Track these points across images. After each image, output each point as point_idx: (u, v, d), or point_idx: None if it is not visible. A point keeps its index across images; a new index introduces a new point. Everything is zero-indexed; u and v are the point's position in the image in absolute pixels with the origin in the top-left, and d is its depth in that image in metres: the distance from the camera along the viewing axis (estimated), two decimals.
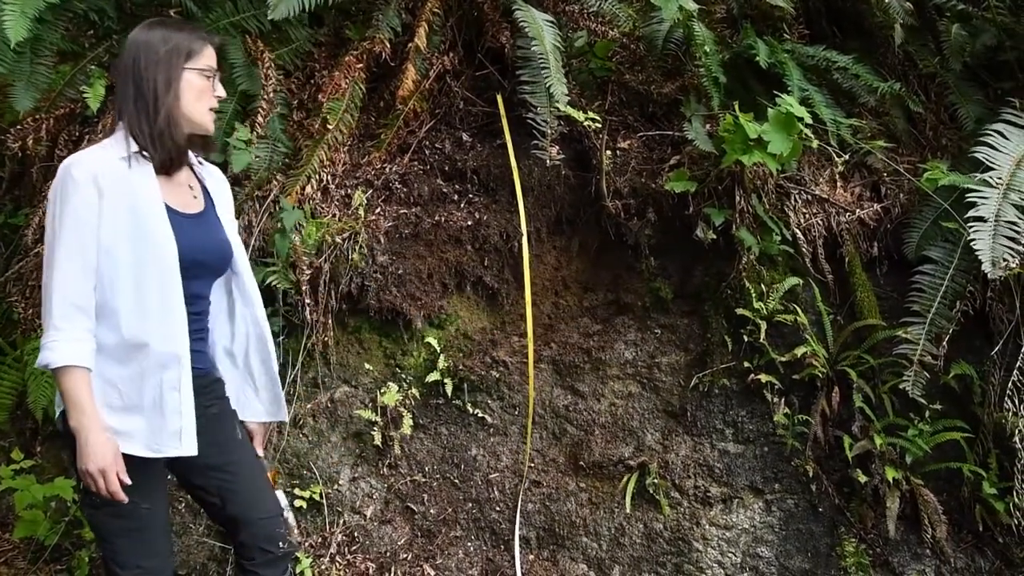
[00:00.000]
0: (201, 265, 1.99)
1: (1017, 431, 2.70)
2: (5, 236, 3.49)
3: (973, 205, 2.72)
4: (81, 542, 2.90)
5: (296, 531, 2.27)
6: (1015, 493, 2.70)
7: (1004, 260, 2.64)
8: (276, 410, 2.23)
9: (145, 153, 1.92)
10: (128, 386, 1.86)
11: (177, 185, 2.02)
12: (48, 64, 2.88)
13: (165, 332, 1.87)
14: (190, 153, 2.08)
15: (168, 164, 1.97)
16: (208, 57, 2.00)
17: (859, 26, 3.60)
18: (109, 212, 1.83)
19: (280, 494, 2.28)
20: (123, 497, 1.79)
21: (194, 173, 2.10)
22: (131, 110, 1.93)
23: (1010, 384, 2.72)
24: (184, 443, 1.88)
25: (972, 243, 2.67)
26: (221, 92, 2.05)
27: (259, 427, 2.24)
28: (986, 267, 2.62)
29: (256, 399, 2.20)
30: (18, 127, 3.12)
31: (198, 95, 1.97)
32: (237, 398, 2.18)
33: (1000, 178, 2.78)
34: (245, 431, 2.18)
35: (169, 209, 1.93)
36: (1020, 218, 2.70)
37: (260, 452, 2.24)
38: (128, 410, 1.85)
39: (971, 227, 2.70)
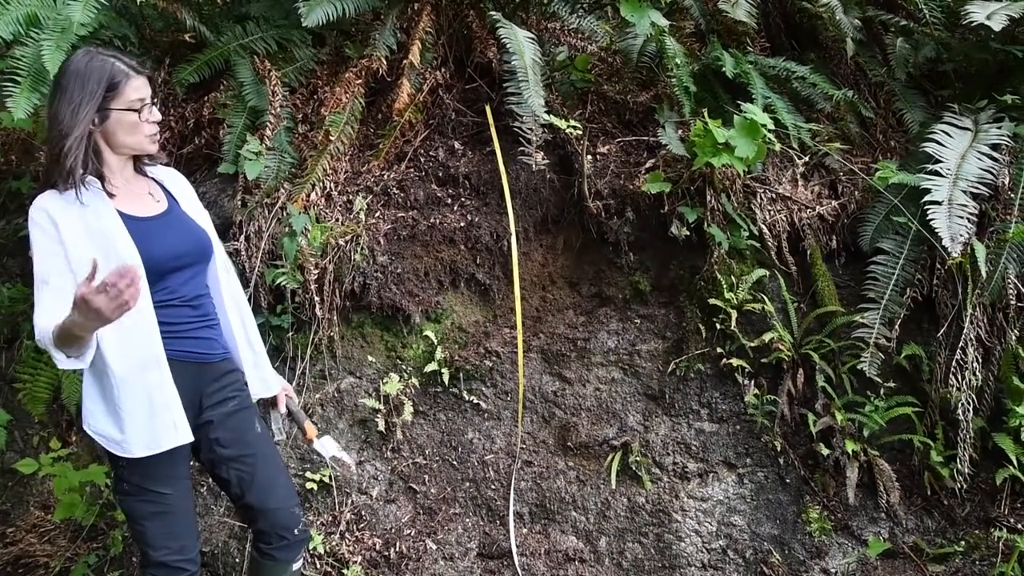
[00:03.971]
0: (178, 257, 2.01)
1: (960, 404, 2.82)
2: None
3: (920, 201, 2.82)
4: (114, 523, 2.96)
5: (353, 467, 2.28)
6: (958, 460, 2.82)
7: (960, 236, 2.73)
8: (267, 384, 2.30)
9: (90, 178, 1.94)
10: (117, 394, 1.90)
11: (135, 195, 2.03)
12: None
13: (138, 335, 1.90)
14: (140, 164, 2.10)
15: (110, 185, 1.97)
16: (135, 90, 1.94)
17: (815, 39, 3.68)
18: (69, 238, 1.88)
19: (328, 440, 2.32)
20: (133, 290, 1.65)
21: (152, 179, 2.13)
22: (60, 146, 1.90)
23: (954, 362, 2.83)
24: (180, 432, 1.95)
25: (930, 223, 2.75)
26: (156, 116, 2.00)
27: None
28: (946, 242, 2.71)
29: (258, 375, 2.27)
30: None
31: (129, 130, 1.95)
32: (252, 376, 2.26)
33: (949, 169, 2.89)
34: (264, 425, 2.24)
35: (128, 217, 1.95)
36: (968, 202, 2.82)
37: (282, 409, 2.33)
38: (123, 416, 1.91)
39: (928, 210, 2.78)
